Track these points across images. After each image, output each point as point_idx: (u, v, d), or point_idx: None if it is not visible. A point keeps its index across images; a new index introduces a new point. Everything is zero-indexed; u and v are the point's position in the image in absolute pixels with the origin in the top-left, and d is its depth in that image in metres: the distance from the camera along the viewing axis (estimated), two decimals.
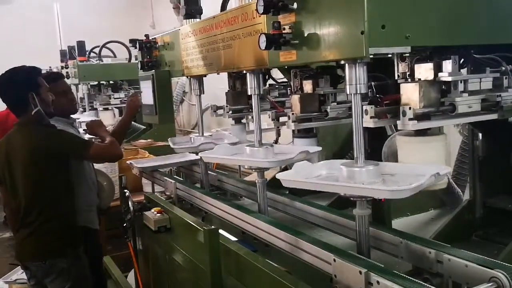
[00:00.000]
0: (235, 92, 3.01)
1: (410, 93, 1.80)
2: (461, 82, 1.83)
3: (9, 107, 2.99)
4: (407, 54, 1.86)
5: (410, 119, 1.69)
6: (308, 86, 2.39)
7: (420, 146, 1.85)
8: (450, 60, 1.79)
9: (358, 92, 1.69)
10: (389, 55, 1.84)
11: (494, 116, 1.86)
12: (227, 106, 3.00)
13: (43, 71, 3.27)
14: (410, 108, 1.69)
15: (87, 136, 3.69)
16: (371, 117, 1.74)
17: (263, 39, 1.88)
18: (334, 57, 1.71)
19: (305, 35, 1.80)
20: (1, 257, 6.09)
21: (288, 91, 2.92)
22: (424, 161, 1.83)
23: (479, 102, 1.84)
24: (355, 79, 1.68)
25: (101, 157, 3.06)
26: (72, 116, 3.53)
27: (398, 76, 1.92)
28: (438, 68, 1.82)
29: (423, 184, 1.60)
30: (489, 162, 2.31)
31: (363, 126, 1.73)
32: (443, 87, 1.84)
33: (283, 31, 1.87)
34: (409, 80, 1.87)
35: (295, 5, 1.82)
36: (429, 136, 1.86)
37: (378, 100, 2.24)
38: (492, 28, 1.78)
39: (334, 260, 1.69)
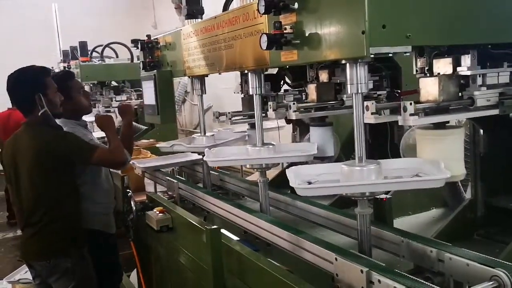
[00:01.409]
0: (251, 97, 3.00)
1: (429, 87, 1.82)
2: (479, 76, 1.84)
3: (17, 107, 2.99)
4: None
5: (411, 115, 1.69)
6: (324, 75, 2.41)
7: (438, 139, 1.86)
8: (469, 55, 1.81)
9: (359, 91, 1.70)
10: (390, 55, 1.84)
11: (495, 112, 1.86)
12: (229, 112, 3.00)
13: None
14: (411, 104, 1.69)
15: (97, 134, 3.65)
16: (372, 113, 1.74)
17: (264, 39, 1.89)
18: (335, 57, 1.71)
19: (306, 35, 1.80)
20: (5, 257, 6.11)
21: (303, 96, 2.92)
22: (442, 153, 1.84)
23: (497, 96, 1.86)
24: (356, 78, 1.69)
25: (104, 163, 3.02)
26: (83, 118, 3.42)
27: (417, 71, 1.93)
28: (456, 63, 1.83)
29: None
30: (490, 158, 2.30)
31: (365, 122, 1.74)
32: (462, 81, 1.86)
33: (284, 31, 1.88)
34: (428, 74, 1.88)
35: (296, 5, 1.82)
36: (447, 130, 1.87)
37: (395, 95, 2.25)
38: (493, 27, 1.78)
39: (336, 259, 1.70)
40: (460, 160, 1.90)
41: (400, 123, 1.75)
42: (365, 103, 1.74)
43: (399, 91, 2.37)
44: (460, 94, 1.87)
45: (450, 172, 1.73)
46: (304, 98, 2.88)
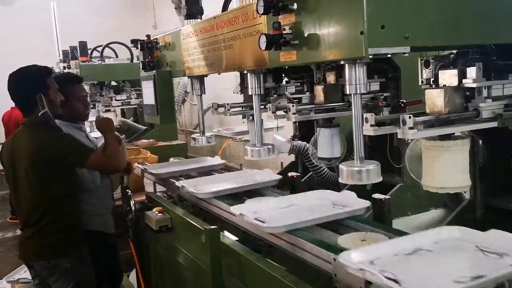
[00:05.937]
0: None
1: (435, 99, 1.82)
2: (485, 88, 1.85)
3: (17, 106, 2.97)
4: (432, 60, 1.89)
5: (410, 128, 1.70)
6: (331, 77, 2.43)
7: (444, 150, 1.86)
8: (475, 67, 1.81)
9: (358, 92, 1.70)
10: (389, 55, 1.84)
11: (494, 124, 1.86)
12: (228, 104, 2.99)
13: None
14: (410, 117, 1.70)
15: (94, 134, 3.64)
16: (371, 125, 1.74)
17: (263, 39, 1.89)
18: (334, 58, 1.71)
19: (305, 35, 1.80)
20: (5, 257, 6.11)
21: (305, 87, 2.92)
22: (447, 164, 1.85)
23: (502, 107, 1.86)
24: (355, 79, 1.69)
25: (99, 168, 2.99)
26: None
27: (422, 82, 1.94)
28: (462, 74, 1.84)
29: None
30: (489, 168, 2.30)
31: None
32: (467, 93, 1.87)
33: (283, 32, 1.88)
34: (433, 86, 1.89)
35: (295, 6, 1.82)
36: (453, 141, 1.86)
37: (401, 105, 2.26)
38: (492, 28, 1.78)
39: (334, 259, 1.70)
40: (466, 171, 1.90)
41: (399, 136, 1.76)
42: (365, 115, 1.74)
43: (404, 101, 2.37)
44: (465, 105, 1.87)
45: (456, 183, 1.72)
46: (305, 89, 2.88)
